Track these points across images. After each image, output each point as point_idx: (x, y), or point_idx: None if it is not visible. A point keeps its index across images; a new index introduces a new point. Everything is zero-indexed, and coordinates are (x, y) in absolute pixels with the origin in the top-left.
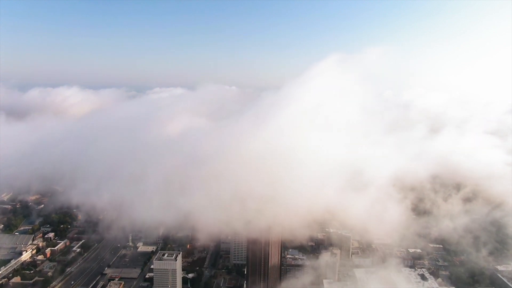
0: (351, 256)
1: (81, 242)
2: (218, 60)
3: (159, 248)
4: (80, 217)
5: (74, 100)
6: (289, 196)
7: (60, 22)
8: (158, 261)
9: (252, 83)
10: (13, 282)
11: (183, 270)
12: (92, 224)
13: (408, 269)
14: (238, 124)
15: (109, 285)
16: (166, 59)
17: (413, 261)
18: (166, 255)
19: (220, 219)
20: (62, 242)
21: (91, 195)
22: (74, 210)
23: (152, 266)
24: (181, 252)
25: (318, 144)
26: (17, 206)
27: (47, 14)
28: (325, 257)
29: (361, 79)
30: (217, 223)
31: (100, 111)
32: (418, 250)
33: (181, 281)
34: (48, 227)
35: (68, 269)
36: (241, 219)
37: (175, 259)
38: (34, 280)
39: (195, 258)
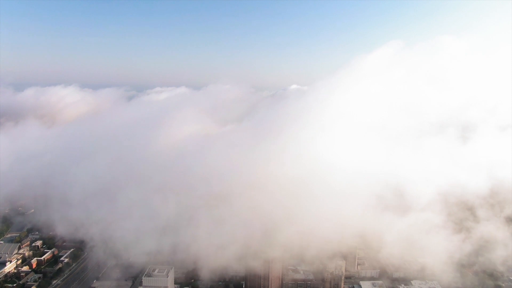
0: (357, 267)
1: (69, 251)
2: (217, 60)
3: (152, 258)
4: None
5: (70, 100)
6: (312, 224)
7: (60, 21)
8: (148, 278)
9: (252, 83)
10: None
11: (177, 283)
12: (83, 232)
13: (418, 281)
14: (255, 133)
15: None
16: (166, 58)
17: (423, 272)
18: (157, 270)
19: (225, 252)
20: (50, 252)
21: (83, 210)
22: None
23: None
24: (173, 267)
25: (354, 158)
26: (6, 212)
27: (47, 14)
28: (329, 269)
29: (404, 75)
30: (221, 257)
31: (97, 115)
32: (428, 260)
33: None
34: (36, 234)
35: (54, 281)
36: (250, 253)
37: (167, 275)
38: None
39: (190, 269)
